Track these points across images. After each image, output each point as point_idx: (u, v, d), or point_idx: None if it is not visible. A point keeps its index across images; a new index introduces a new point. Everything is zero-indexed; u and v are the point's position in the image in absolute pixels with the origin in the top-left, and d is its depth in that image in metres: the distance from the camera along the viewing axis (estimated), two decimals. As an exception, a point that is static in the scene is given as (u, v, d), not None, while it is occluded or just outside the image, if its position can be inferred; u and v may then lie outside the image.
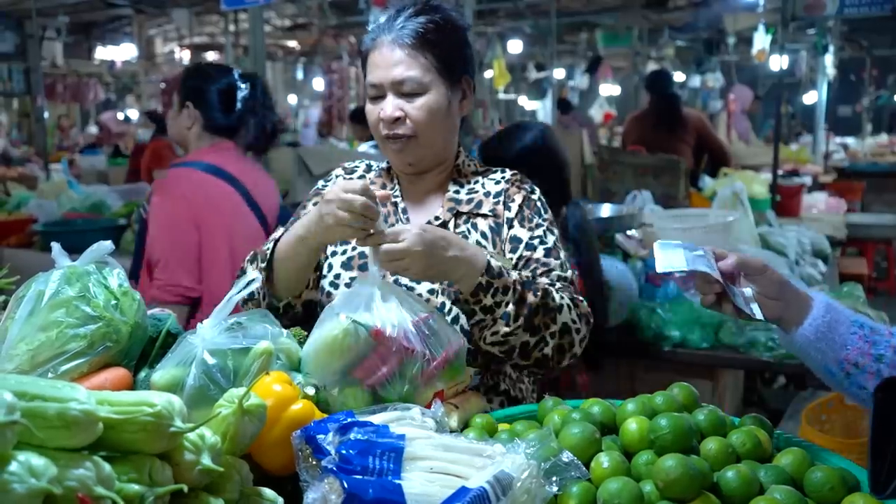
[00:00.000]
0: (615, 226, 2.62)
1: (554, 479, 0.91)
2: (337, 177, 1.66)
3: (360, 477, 0.86)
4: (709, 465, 0.95)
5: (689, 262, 1.11)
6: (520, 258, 1.49)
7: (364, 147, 5.30)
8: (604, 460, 0.98)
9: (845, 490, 0.93)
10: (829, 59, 8.48)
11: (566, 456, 0.94)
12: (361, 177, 1.64)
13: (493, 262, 1.35)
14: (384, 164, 1.66)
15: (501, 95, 15.12)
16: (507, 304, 1.34)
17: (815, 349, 1.14)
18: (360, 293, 1.22)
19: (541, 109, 12.61)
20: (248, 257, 1.53)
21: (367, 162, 1.69)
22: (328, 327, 1.16)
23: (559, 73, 14.38)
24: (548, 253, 1.50)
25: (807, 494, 0.94)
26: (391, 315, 1.18)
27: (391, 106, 1.45)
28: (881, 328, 1.16)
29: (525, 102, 15.81)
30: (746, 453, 1.02)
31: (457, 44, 1.50)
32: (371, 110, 1.50)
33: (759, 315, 1.13)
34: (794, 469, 0.98)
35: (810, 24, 8.04)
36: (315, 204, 1.57)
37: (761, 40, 7.74)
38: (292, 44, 12.82)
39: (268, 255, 1.47)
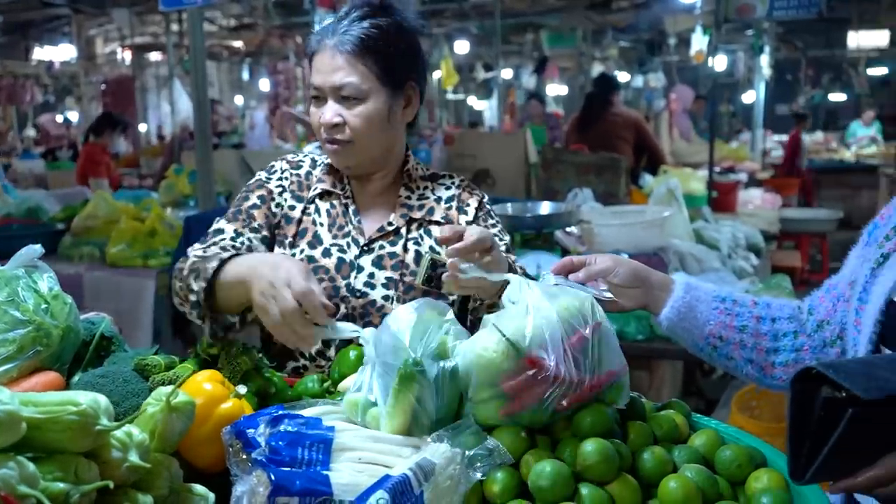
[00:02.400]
0: (554, 223, 2.69)
1: (478, 465, 0.94)
2: (282, 170, 1.62)
3: (287, 469, 0.88)
4: (627, 448, 1.00)
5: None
6: None
7: (310, 148, 5.29)
8: (532, 452, 1.00)
9: (752, 467, 0.99)
10: (765, 60, 8.75)
11: (491, 443, 0.98)
12: (308, 172, 1.62)
13: None
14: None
15: (450, 95, 15.20)
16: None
17: (680, 328, 1.23)
18: (514, 300, 1.09)
19: (488, 110, 12.71)
20: (189, 264, 1.41)
21: (312, 156, 1.68)
22: (482, 340, 1.03)
23: (507, 74, 14.53)
24: (506, 251, 1.54)
25: (717, 472, 1.00)
26: (547, 334, 1.01)
27: (330, 111, 1.46)
28: (745, 300, 1.24)
29: (474, 102, 15.92)
30: (664, 436, 1.07)
31: (402, 50, 1.49)
32: (313, 112, 1.51)
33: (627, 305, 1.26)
34: (706, 449, 1.03)
35: (747, 25, 8.28)
36: (260, 197, 1.56)
37: (699, 41, 7.96)
38: (237, 44, 12.66)
39: (209, 274, 1.33)
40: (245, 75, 14.63)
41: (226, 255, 1.34)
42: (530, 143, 5.27)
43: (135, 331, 3.33)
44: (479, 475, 0.94)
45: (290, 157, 1.67)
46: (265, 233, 1.54)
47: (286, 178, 1.60)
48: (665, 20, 8.79)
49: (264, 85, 11.70)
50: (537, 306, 1.03)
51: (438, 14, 9.28)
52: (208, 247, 1.48)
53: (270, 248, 1.55)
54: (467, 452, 0.95)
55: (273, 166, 1.63)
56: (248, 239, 1.51)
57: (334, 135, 1.48)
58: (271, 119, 9.24)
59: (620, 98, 6.08)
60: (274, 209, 1.57)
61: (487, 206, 1.63)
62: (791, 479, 0.89)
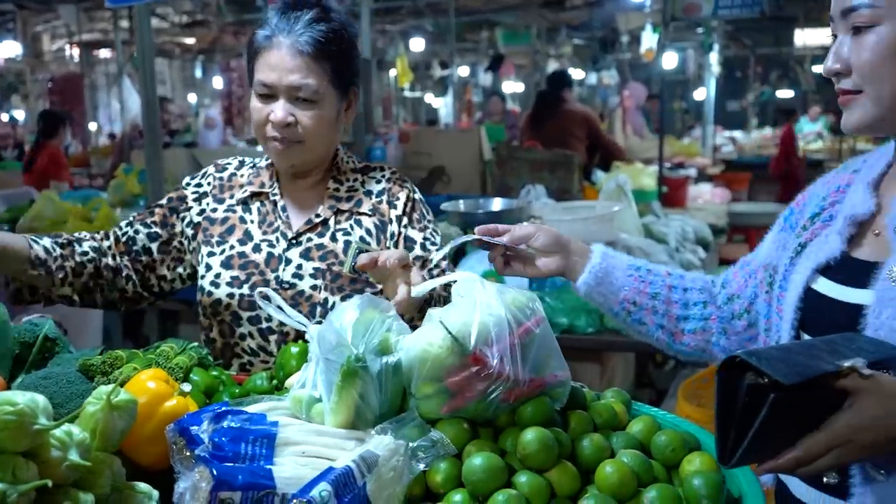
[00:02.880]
0: (505, 218, 2.72)
1: (421, 456, 0.96)
2: (209, 174, 1.65)
3: (230, 464, 0.89)
4: (567, 436, 1.03)
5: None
6: (416, 258, 1.54)
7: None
8: (473, 445, 1.02)
9: (686, 450, 1.03)
10: (714, 58, 8.93)
11: (434, 435, 1.00)
12: (232, 174, 1.64)
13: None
14: (261, 162, 1.66)
15: (408, 93, 15.20)
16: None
17: (597, 293, 1.29)
18: (463, 294, 1.10)
19: (443, 107, 12.74)
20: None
21: (239, 158, 1.70)
22: (428, 335, 1.04)
23: (464, 71, 14.58)
24: (438, 249, 1.56)
25: (652, 456, 1.03)
26: (493, 332, 1.02)
27: (283, 110, 1.46)
28: (659, 269, 1.31)
29: (431, 100, 15.94)
30: (603, 424, 1.10)
31: (350, 54, 1.52)
32: (259, 108, 1.50)
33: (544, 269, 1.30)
34: (643, 435, 1.07)
35: (696, 24, 8.46)
36: (169, 198, 1.62)
37: (649, 39, 8.09)
38: (190, 41, 12.46)
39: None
40: (198, 73, 14.41)
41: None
42: (485, 141, 5.31)
43: (84, 332, 3.28)
44: (422, 466, 0.96)
45: (219, 161, 1.70)
46: (156, 230, 1.61)
47: (209, 184, 1.64)
48: (617, 18, 8.91)
49: (218, 83, 11.55)
50: (486, 303, 1.05)
51: (393, 11, 9.27)
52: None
53: (161, 247, 1.61)
54: (411, 444, 0.97)
55: (203, 171, 1.68)
56: (136, 230, 1.60)
57: (284, 134, 1.48)
58: (225, 116, 9.13)
59: (574, 95, 6.17)
60: (180, 212, 1.62)
61: (421, 203, 1.64)
62: (720, 463, 0.93)
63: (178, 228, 1.61)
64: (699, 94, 11.10)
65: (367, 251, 1.41)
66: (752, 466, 0.96)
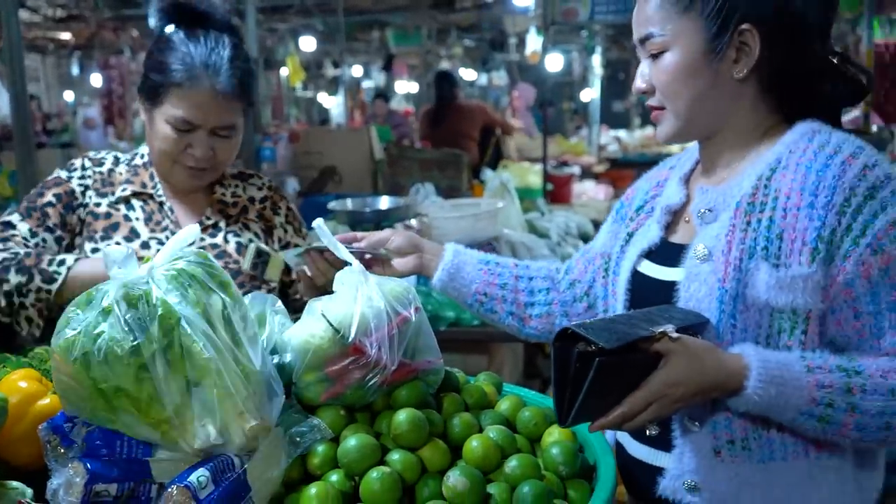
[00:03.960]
0: (392, 216, 2.78)
1: (299, 440, 1.01)
2: (83, 167, 1.61)
3: (106, 459, 0.90)
4: (440, 416, 1.10)
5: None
6: None
7: (145, 149, 5.08)
8: (350, 429, 1.07)
9: (546, 424, 1.12)
10: (597, 60, 9.33)
11: (313, 421, 1.04)
12: (111, 170, 1.62)
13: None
14: (136, 160, 1.64)
15: (299, 92, 15.00)
16: None
17: (451, 288, 1.40)
18: (344, 284, 1.14)
19: (335, 107, 12.68)
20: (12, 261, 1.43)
21: (114, 154, 1.68)
22: (310, 327, 1.08)
23: (357, 71, 14.54)
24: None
25: (517, 431, 1.12)
26: (372, 323, 1.07)
27: (205, 146, 1.51)
28: (507, 262, 1.44)
29: (324, 99, 15.78)
30: (474, 404, 1.17)
31: (255, 82, 1.61)
32: (174, 139, 1.50)
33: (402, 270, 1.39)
34: (510, 412, 1.15)
35: (580, 27, 8.79)
36: (56, 195, 1.54)
37: (534, 42, 8.36)
38: (65, 36, 11.84)
39: (56, 279, 1.42)
40: (75, 70, 13.69)
41: (70, 259, 1.43)
42: (375, 140, 5.36)
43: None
44: (300, 450, 1.00)
45: (91, 154, 1.66)
46: (60, 233, 1.54)
47: (89, 177, 1.60)
48: (505, 20, 9.15)
49: (96, 80, 11.02)
50: (366, 294, 1.10)
51: (282, 10, 9.15)
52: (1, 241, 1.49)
53: (67, 250, 1.54)
54: (290, 430, 1.01)
55: (73, 164, 1.62)
56: (44, 239, 1.51)
57: (202, 164, 1.53)
58: (105, 116, 8.74)
59: (462, 93, 6.37)
60: (76, 208, 1.56)
61: (294, 210, 1.76)
62: (558, 425, 1.04)
63: (75, 227, 1.57)
64: (586, 96, 11.54)
65: (264, 251, 1.52)
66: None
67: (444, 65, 12.50)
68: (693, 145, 1.28)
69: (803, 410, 1.01)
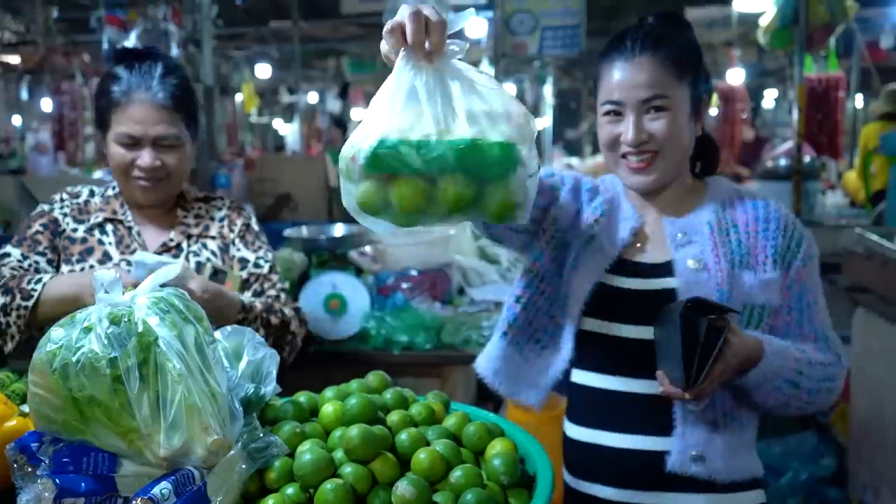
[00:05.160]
0: (347, 243, 2.85)
1: (257, 456, 1.07)
2: (62, 199, 1.78)
3: (73, 474, 0.95)
4: (389, 431, 1.17)
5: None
6: (251, 274, 1.78)
7: (100, 174, 5.06)
8: (305, 445, 1.14)
9: (490, 437, 1.20)
10: (549, 90, 9.58)
11: (270, 437, 1.11)
12: (87, 201, 1.79)
13: (244, 298, 1.66)
14: (108, 191, 1.82)
15: (254, 119, 14.99)
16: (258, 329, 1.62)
17: None
18: None
19: (291, 134, 12.71)
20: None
21: (90, 187, 1.84)
22: None
23: (313, 97, 14.59)
24: (270, 269, 1.82)
25: (462, 444, 1.20)
26: None
27: (150, 156, 1.66)
28: None
29: (279, 125, 15.79)
30: (422, 420, 1.25)
31: (196, 100, 1.75)
32: (122, 154, 1.67)
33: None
34: (456, 427, 1.23)
35: (531, 59, 9.03)
36: (42, 224, 1.72)
37: (487, 72, 8.53)
38: (14, 60, 11.66)
39: (33, 296, 1.55)
40: (24, 94, 13.45)
41: (46, 277, 1.57)
42: (331, 168, 5.42)
43: None
44: (257, 465, 1.07)
45: (69, 188, 1.82)
46: (50, 255, 1.69)
47: (67, 206, 1.76)
48: (459, 51, 9.31)
49: (46, 105, 10.86)
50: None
51: (238, 37, 9.20)
52: None
53: (58, 271, 1.70)
54: (248, 446, 1.07)
55: (54, 198, 1.79)
56: (35, 261, 1.67)
57: (151, 175, 1.68)
58: (56, 141, 8.62)
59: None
60: (60, 234, 1.72)
61: (252, 226, 1.87)
62: (685, 392, 1.24)
63: (62, 251, 1.71)
64: (538, 124, 11.79)
65: (220, 269, 1.70)
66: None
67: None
68: (611, 177, 1.57)
69: (788, 378, 1.32)
